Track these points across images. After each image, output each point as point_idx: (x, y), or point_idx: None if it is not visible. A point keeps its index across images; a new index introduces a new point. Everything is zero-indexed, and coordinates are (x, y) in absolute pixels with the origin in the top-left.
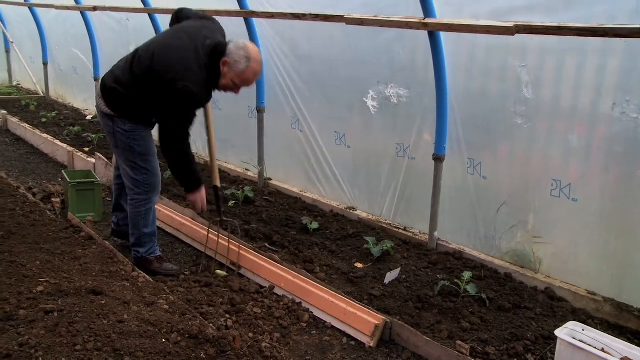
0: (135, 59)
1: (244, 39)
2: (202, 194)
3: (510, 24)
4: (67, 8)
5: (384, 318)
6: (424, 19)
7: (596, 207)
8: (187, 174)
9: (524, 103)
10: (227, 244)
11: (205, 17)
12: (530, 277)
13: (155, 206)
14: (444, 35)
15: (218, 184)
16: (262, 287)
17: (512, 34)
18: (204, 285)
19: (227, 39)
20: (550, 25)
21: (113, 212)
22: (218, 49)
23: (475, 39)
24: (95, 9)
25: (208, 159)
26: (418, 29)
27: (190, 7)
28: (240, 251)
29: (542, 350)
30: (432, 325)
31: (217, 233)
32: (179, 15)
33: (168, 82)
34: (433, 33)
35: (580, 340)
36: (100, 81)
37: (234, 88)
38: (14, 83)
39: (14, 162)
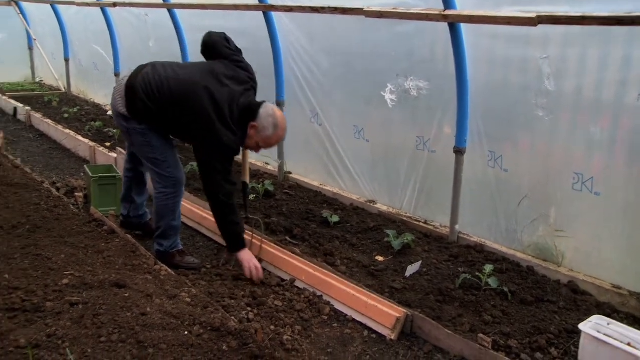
0: (173, 86)
1: (264, 32)
2: (248, 257)
3: (533, 15)
4: (88, 4)
5: (405, 311)
6: (444, 11)
7: (620, 201)
8: (227, 225)
9: (546, 95)
10: (250, 238)
11: (235, 54)
12: (553, 271)
13: None
14: (464, 27)
15: (248, 180)
16: (283, 280)
17: (535, 25)
18: (225, 279)
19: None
20: (574, 16)
21: (122, 202)
22: (250, 110)
23: (496, 30)
24: (115, 5)
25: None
26: (438, 21)
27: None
28: (262, 245)
29: (566, 344)
30: (454, 319)
31: None
32: (208, 46)
33: (211, 138)
34: (453, 25)
35: (606, 335)
36: (126, 81)
37: (255, 148)
38: (37, 79)
39: (37, 157)
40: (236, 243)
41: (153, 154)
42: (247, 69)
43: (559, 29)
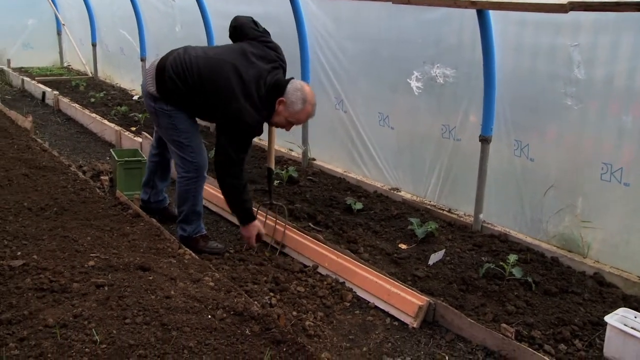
0: (201, 65)
1: (290, 18)
2: (251, 230)
3: (564, 1)
4: None
5: (427, 299)
6: None
7: None
8: (238, 204)
9: (575, 84)
10: (273, 224)
11: (263, 35)
12: (578, 262)
13: None
14: (492, 14)
15: (273, 167)
16: (305, 266)
17: (566, 12)
18: (248, 263)
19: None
20: (608, 1)
21: (144, 186)
22: (278, 86)
23: (525, 17)
24: None
25: (267, 143)
26: (466, 8)
27: None
28: (286, 231)
29: (590, 336)
30: (477, 308)
31: (264, 214)
32: (237, 29)
33: (231, 112)
34: (482, 11)
35: (632, 328)
36: (158, 62)
37: (286, 125)
38: (65, 64)
39: (65, 141)
40: (247, 217)
41: (178, 136)
42: (275, 48)
43: (591, 15)
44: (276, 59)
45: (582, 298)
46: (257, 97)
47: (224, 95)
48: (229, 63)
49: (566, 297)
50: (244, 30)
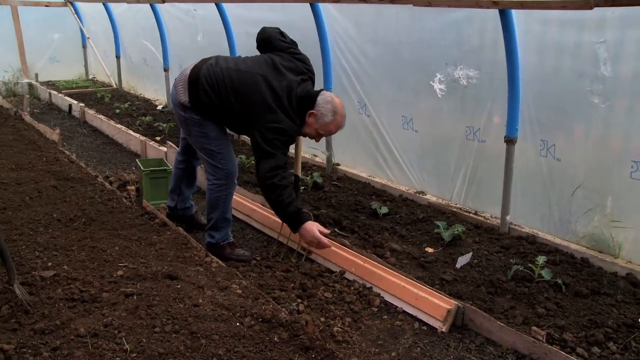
0: (234, 79)
1: (311, 23)
2: (304, 234)
3: None
4: (138, 1)
5: (456, 303)
6: None
7: None
8: (283, 212)
9: (602, 81)
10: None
11: (291, 47)
12: (609, 263)
13: None
14: (514, 13)
15: (299, 173)
16: (332, 272)
17: (591, 8)
18: (275, 270)
19: (300, 49)
20: None
21: (170, 193)
22: (308, 98)
23: (549, 15)
24: (164, 1)
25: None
26: (488, 8)
27: None
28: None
29: (625, 339)
30: (506, 311)
31: None
32: (264, 41)
33: (267, 124)
34: (504, 11)
35: None
36: (190, 72)
37: (316, 137)
38: (90, 76)
39: (91, 152)
40: (297, 222)
41: (209, 145)
42: (303, 60)
43: (617, 11)
44: (305, 71)
45: (614, 299)
46: (289, 108)
47: (259, 109)
48: (260, 76)
49: (598, 298)
50: (272, 42)
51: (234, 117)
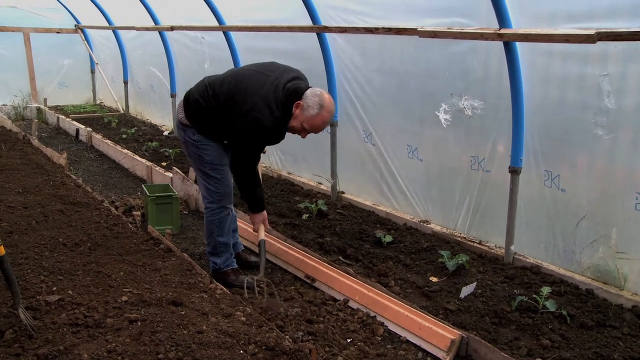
0: (224, 81)
1: (317, 52)
2: (259, 217)
3: (592, 32)
4: (147, 29)
5: (460, 333)
6: (499, 30)
7: None
8: (252, 194)
9: (605, 113)
10: (302, 257)
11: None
12: (615, 294)
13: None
14: (519, 45)
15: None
16: (336, 300)
17: (594, 42)
18: (279, 298)
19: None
20: (637, 31)
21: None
22: (297, 92)
23: (552, 48)
24: (172, 28)
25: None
26: (493, 40)
27: (263, 22)
28: (315, 264)
29: None
30: (510, 342)
31: (293, 247)
32: None
33: (245, 112)
34: (508, 44)
35: None
36: (185, 94)
37: (302, 131)
38: (98, 101)
39: (97, 176)
40: (258, 206)
41: (203, 167)
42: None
43: (619, 45)
44: (301, 75)
45: (620, 332)
46: (274, 98)
47: (242, 94)
48: (247, 72)
49: (604, 331)
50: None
51: (222, 115)
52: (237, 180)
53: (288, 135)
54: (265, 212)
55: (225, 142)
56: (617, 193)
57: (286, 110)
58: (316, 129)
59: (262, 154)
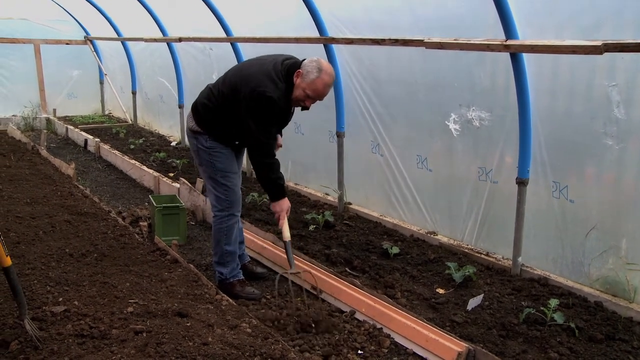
0: (225, 78)
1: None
2: (282, 205)
3: (599, 43)
4: (155, 40)
5: (467, 345)
6: (505, 41)
7: None
8: (270, 181)
9: (615, 123)
10: (308, 268)
11: None
12: (624, 307)
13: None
14: (525, 56)
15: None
16: (342, 311)
17: (601, 53)
18: (285, 309)
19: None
20: None
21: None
22: (296, 64)
23: (559, 59)
24: (180, 40)
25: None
26: (500, 52)
27: (270, 34)
28: (322, 275)
29: None
30: (518, 355)
31: (299, 258)
32: None
33: (250, 90)
34: (515, 55)
35: None
36: (192, 104)
37: (306, 99)
38: (106, 112)
39: (105, 187)
40: (279, 193)
41: (214, 174)
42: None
43: (626, 56)
44: (296, 57)
45: (630, 346)
46: (275, 73)
47: (244, 78)
48: (248, 61)
49: (613, 344)
50: None
51: (229, 109)
52: (255, 170)
53: (299, 144)
54: (287, 201)
55: (237, 142)
56: (627, 203)
57: (289, 84)
58: (319, 94)
59: (275, 151)
